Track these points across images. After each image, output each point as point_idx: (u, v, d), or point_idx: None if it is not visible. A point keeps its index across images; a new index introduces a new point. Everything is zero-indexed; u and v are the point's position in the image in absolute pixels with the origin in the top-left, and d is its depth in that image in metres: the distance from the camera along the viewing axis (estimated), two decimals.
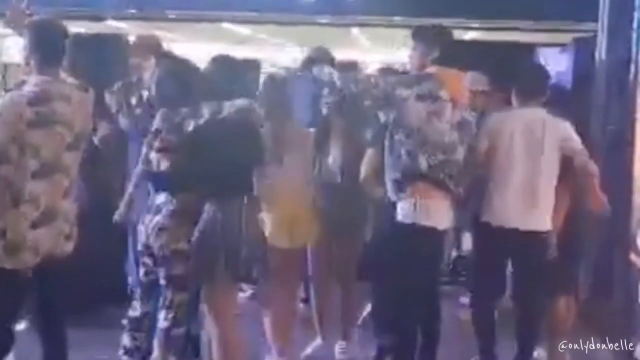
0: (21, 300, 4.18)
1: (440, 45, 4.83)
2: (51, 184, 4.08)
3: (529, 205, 4.97)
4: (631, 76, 5.38)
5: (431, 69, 4.78)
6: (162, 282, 4.57)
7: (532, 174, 4.97)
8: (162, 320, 4.57)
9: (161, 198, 4.56)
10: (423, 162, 4.65)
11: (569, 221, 5.07)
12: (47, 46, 4.17)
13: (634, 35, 5.44)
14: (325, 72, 4.93)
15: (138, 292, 4.78)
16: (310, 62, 5.78)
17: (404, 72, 5.51)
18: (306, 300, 6.19)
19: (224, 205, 4.43)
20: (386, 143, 4.81)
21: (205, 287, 4.52)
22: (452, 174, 4.71)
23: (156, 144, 4.58)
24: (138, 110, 5.43)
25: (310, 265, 5.65)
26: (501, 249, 5.10)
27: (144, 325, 4.72)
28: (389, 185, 4.82)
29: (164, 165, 4.56)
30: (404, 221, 4.72)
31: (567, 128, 4.99)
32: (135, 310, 4.74)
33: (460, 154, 4.76)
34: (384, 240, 4.96)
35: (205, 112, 4.47)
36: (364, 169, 5.05)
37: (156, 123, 4.61)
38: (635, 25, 5.43)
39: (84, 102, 4.26)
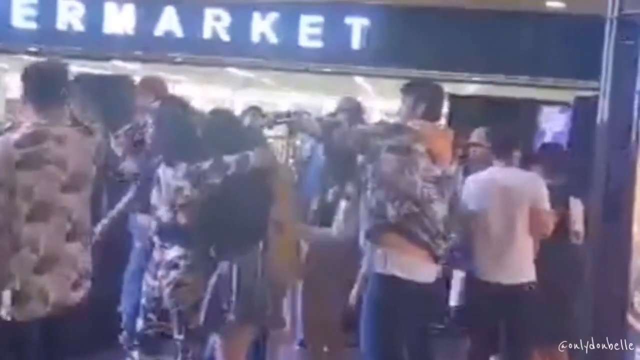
0: (28, 354, 4.07)
1: (428, 101, 4.88)
2: (49, 227, 3.95)
3: (511, 260, 5.13)
4: (633, 138, 5.40)
5: (412, 122, 4.81)
6: (178, 336, 4.55)
7: (510, 229, 5.13)
8: None
9: (173, 253, 4.53)
10: (391, 212, 4.63)
11: (556, 269, 5.23)
12: (43, 89, 4.07)
13: (637, 97, 5.47)
14: (304, 118, 4.93)
15: (137, 343, 4.73)
16: (338, 111, 5.87)
17: (382, 122, 5.60)
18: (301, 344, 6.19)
19: (243, 254, 4.46)
20: (362, 194, 4.89)
21: (220, 332, 4.53)
22: (428, 227, 4.69)
23: (179, 200, 4.53)
24: (142, 155, 5.41)
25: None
26: (491, 303, 5.17)
27: None
28: (363, 236, 4.86)
29: (182, 219, 4.53)
30: (376, 271, 4.70)
31: (538, 185, 5.19)
32: None
33: (439, 208, 4.76)
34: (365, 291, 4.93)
35: (231, 164, 4.48)
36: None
37: (176, 180, 4.57)
38: (638, 87, 5.45)
39: (82, 144, 4.13)
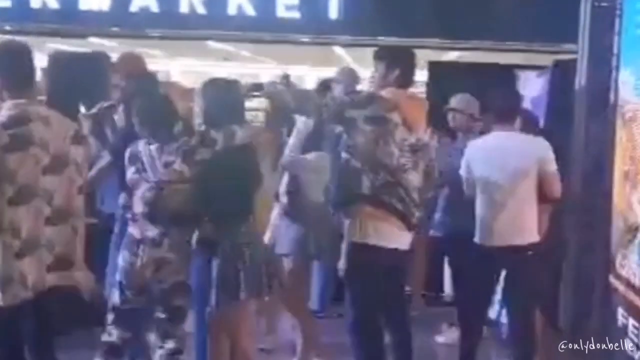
0: (18, 339, 4.02)
1: (400, 67, 4.84)
2: (30, 211, 3.88)
3: (513, 224, 5.15)
4: (611, 100, 5.40)
5: (386, 91, 4.78)
6: (162, 315, 4.55)
7: (513, 193, 5.13)
8: (164, 349, 4.58)
9: (156, 230, 4.50)
10: (366, 182, 4.66)
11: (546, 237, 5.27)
12: (17, 68, 4.01)
13: (614, 60, 5.46)
14: (278, 89, 4.88)
15: (112, 318, 4.68)
16: (333, 82, 5.86)
17: (355, 92, 5.58)
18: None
19: (237, 231, 4.48)
20: (336, 163, 4.89)
21: (226, 307, 4.57)
22: (402, 197, 4.71)
23: (165, 177, 4.47)
24: (113, 137, 5.27)
25: None
26: (491, 267, 5.27)
27: (123, 353, 4.68)
28: (336, 205, 4.87)
29: (167, 196, 4.48)
30: (352, 240, 4.76)
31: (544, 148, 5.18)
32: (112, 335, 4.66)
33: (413, 177, 4.76)
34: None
35: (219, 139, 4.46)
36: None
37: (163, 155, 4.51)
38: (615, 49, 5.45)
39: (63, 125, 4.10)
